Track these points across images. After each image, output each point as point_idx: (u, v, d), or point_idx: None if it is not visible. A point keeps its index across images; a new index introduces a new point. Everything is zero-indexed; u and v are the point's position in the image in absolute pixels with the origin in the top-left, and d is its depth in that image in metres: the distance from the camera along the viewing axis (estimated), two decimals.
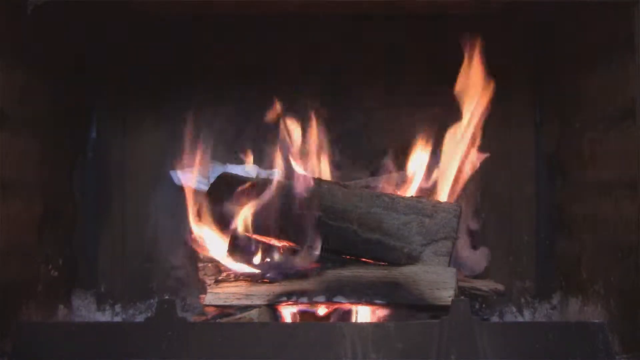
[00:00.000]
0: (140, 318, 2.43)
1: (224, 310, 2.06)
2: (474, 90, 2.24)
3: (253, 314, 1.98)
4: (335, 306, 2.03)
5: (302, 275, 2.07)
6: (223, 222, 2.15)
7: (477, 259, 2.35)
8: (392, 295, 1.98)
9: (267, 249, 2.16)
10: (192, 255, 2.41)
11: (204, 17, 2.43)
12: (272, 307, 2.02)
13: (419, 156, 2.32)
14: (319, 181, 2.19)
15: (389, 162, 2.37)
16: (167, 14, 2.41)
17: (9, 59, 1.94)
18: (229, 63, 2.49)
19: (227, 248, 2.18)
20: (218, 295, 2.05)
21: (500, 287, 2.17)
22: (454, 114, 2.28)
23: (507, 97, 2.47)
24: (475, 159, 2.28)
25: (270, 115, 2.34)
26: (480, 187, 2.37)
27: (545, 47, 2.46)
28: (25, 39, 2.02)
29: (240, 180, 2.21)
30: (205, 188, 2.28)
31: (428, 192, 2.27)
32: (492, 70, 2.24)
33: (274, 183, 2.17)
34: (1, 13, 1.89)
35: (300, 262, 2.11)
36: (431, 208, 2.11)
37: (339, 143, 2.37)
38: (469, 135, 2.26)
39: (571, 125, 2.28)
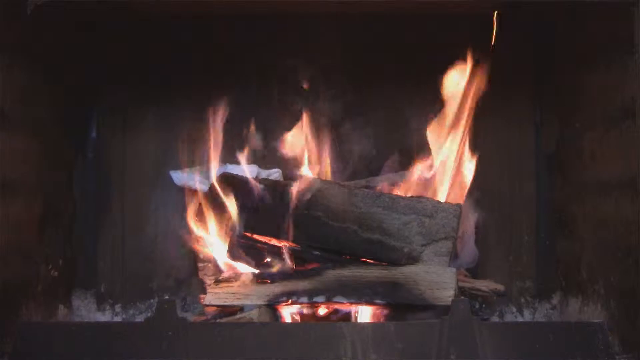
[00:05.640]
0: (140, 318, 2.43)
1: (224, 310, 2.06)
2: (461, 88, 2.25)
3: (253, 314, 1.98)
4: (335, 306, 2.03)
5: (302, 275, 2.07)
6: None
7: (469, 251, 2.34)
8: (392, 295, 1.98)
9: (267, 249, 2.16)
10: (192, 255, 2.41)
11: (204, 17, 2.43)
12: (272, 307, 2.02)
13: (419, 156, 2.32)
14: (319, 181, 2.19)
15: (389, 162, 2.37)
16: (167, 14, 2.41)
17: (9, 58, 1.94)
18: (229, 63, 2.49)
19: (227, 248, 2.18)
20: (218, 295, 2.05)
21: (500, 287, 2.17)
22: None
23: (507, 97, 2.47)
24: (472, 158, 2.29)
25: (271, 115, 2.35)
26: (480, 186, 2.36)
27: (545, 47, 2.46)
28: (25, 39, 2.02)
29: (241, 180, 2.22)
30: (205, 188, 2.28)
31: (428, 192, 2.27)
32: (492, 70, 2.25)
33: (274, 183, 2.18)
34: (1, 13, 1.89)
35: (300, 262, 2.12)
36: (431, 208, 2.11)
37: (339, 143, 2.37)
38: (462, 133, 2.27)
39: (571, 125, 2.28)
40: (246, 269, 2.17)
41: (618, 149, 1.96)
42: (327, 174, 2.32)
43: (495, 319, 2.38)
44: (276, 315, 2.03)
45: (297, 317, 2.05)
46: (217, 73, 2.49)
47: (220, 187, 2.19)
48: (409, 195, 2.23)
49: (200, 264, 2.36)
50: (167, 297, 2.37)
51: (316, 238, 2.12)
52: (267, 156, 2.42)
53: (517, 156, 2.51)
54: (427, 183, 2.28)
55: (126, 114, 2.52)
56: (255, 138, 2.41)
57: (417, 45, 2.46)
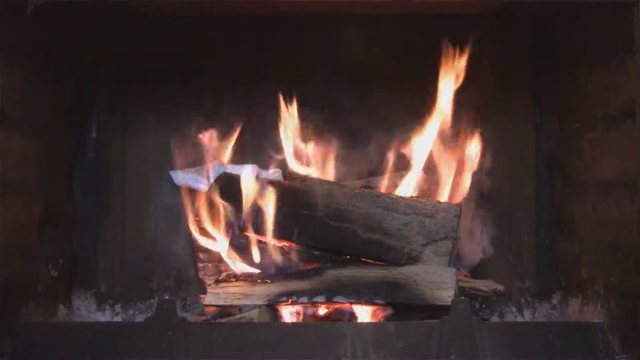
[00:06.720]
0: (140, 318, 2.43)
1: (224, 310, 2.06)
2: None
3: (253, 314, 1.98)
4: (335, 306, 2.03)
5: (302, 275, 2.07)
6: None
7: (474, 249, 2.34)
8: (392, 295, 1.98)
9: (267, 249, 2.16)
10: (192, 255, 2.41)
11: (204, 17, 2.43)
12: (272, 307, 2.02)
13: (419, 156, 2.32)
14: (319, 181, 2.19)
15: (389, 162, 2.37)
16: (167, 14, 2.41)
17: (9, 59, 1.94)
18: (229, 63, 2.49)
19: (227, 248, 2.18)
20: (218, 295, 2.05)
21: (500, 287, 2.17)
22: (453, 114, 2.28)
23: (507, 97, 2.47)
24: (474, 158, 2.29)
25: (271, 115, 2.35)
26: (480, 186, 2.36)
27: (545, 47, 2.46)
28: (25, 39, 2.02)
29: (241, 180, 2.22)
30: (205, 188, 2.28)
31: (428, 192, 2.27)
32: (493, 70, 2.25)
33: (275, 183, 2.18)
34: (1, 13, 1.89)
35: (300, 262, 2.12)
36: (431, 208, 2.11)
37: (339, 143, 2.37)
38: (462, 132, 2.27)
39: (571, 125, 2.28)
40: (246, 269, 2.17)
41: (618, 149, 1.96)
42: (328, 174, 2.32)
43: (495, 319, 2.39)
44: (276, 315, 2.03)
45: (297, 317, 2.05)
46: (218, 73, 2.49)
47: (220, 187, 2.19)
48: (409, 195, 2.23)
49: (200, 264, 2.36)
50: (167, 297, 2.37)
51: (316, 238, 2.12)
52: (266, 156, 2.42)
53: (517, 156, 2.51)
54: (428, 183, 2.29)
55: (126, 114, 2.51)
56: (255, 138, 2.41)
57: (417, 45, 2.45)
